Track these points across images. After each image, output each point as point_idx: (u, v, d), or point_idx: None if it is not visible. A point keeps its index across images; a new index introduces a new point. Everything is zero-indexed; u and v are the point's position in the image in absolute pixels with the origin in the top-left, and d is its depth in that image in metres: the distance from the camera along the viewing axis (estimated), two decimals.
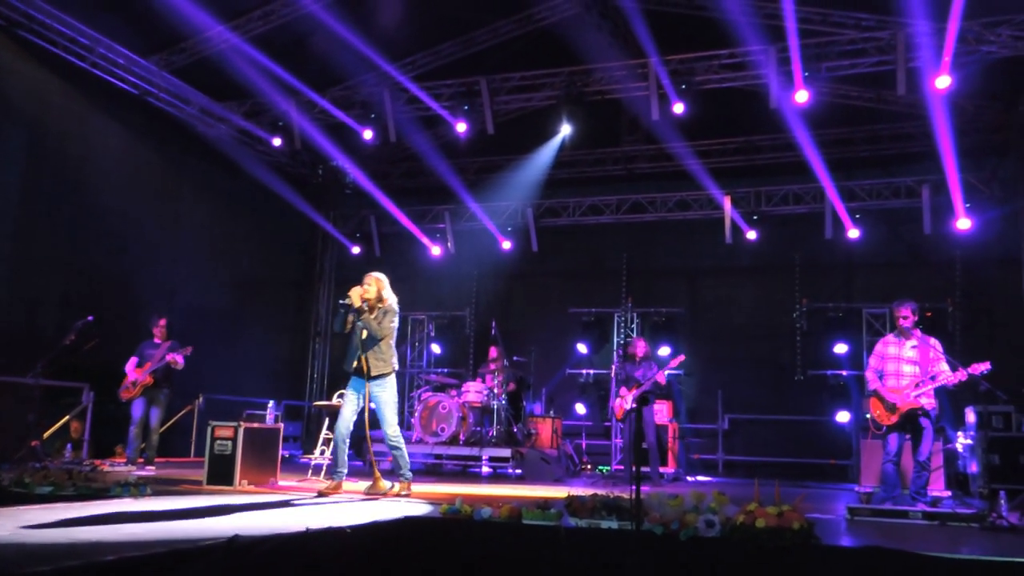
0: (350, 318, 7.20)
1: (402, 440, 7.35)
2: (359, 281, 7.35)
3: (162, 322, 9.95)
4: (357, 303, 7.13)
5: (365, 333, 7.18)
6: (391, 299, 7.37)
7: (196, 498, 6.30)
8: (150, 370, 9.68)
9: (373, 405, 7.29)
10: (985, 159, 12.83)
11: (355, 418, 7.19)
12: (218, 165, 13.43)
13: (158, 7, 10.47)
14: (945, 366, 7.33)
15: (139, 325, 10.36)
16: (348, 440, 7.23)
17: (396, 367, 7.37)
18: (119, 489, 5.95)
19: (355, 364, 7.21)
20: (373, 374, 7.16)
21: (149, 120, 12.43)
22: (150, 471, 9.11)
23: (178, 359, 9.68)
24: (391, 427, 7.24)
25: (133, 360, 9.83)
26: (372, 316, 7.20)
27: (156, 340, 9.97)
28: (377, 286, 7.32)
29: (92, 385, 10.59)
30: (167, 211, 12.99)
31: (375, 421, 7.37)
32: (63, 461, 9.25)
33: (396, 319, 7.37)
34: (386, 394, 7.22)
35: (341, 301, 7.17)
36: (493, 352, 12.23)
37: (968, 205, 12.20)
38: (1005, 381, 7.72)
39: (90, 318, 9.10)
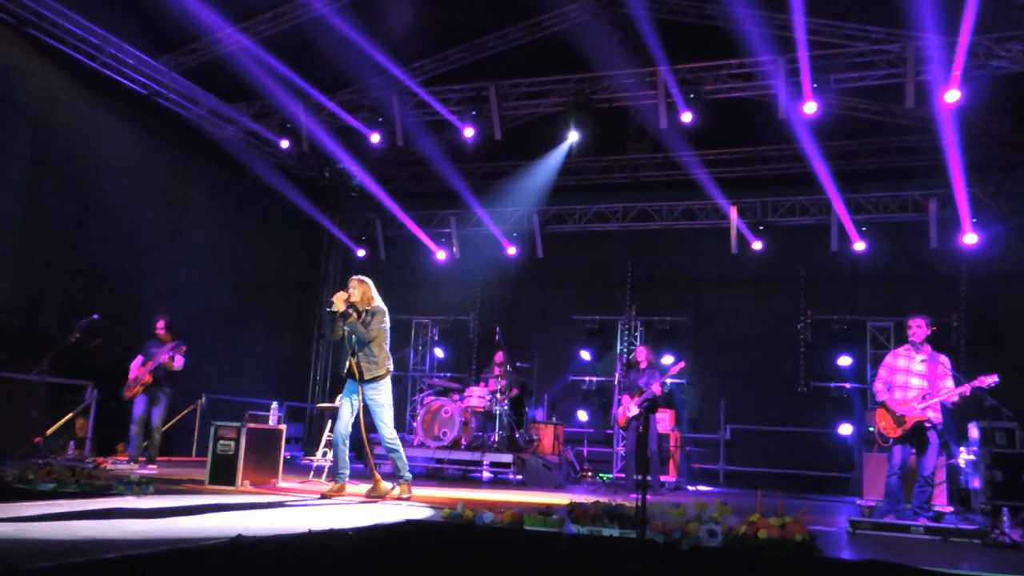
0: (339, 324, 7.18)
1: (399, 442, 7.34)
2: None
3: (161, 323, 9.90)
4: (340, 308, 7.11)
5: (355, 337, 7.18)
6: (378, 301, 7.34)
7: (198, 497, 6.30)
8: (151, 368, 9.67)
9: (369, 407, 7.27)
10: (992, 174, 12.81)
11: (352, 420, 7.18)
12: (225, 166, 13.46)
13: (168, 8, 10.51)
14: (950, 382, 7.31)
15: (143, 324, 10.36)
16: (348, 442, 7.23)
17: (391, 369, 7.33)
18: (122, 487, 5.96)
19: (347, 368, 7.22)
20: (366, 377, 7.16)
21: (157, 120, 12.46)
22: (152, 470, 9.11)
23: (175, 360, 9.64)
24: (388, 429, 7.23)
25: (139, 358, 9.83)
26: (359, 319, 7.20)
27: (161, 340, 9.97)
28: (361, 289, 7.30)
29: (96, 383, 10.61)
30: (173, 211, 13.02)
31: (372, 424, 7.36)
32: (66, 458, 9.27)
33: (386, 320, 7.32)
34: (381, 397, 7.21)
35: (327, 308, 7.17)
36: (499, 357, 12.23)
37: (975, 220, 12.18)
38: (1009, 397, 7.68)
39: (95, 316, 9.12)
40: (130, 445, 9.71)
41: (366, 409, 7.22)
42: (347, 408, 7.18)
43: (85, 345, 9.13)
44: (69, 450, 9.95)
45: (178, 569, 3.44)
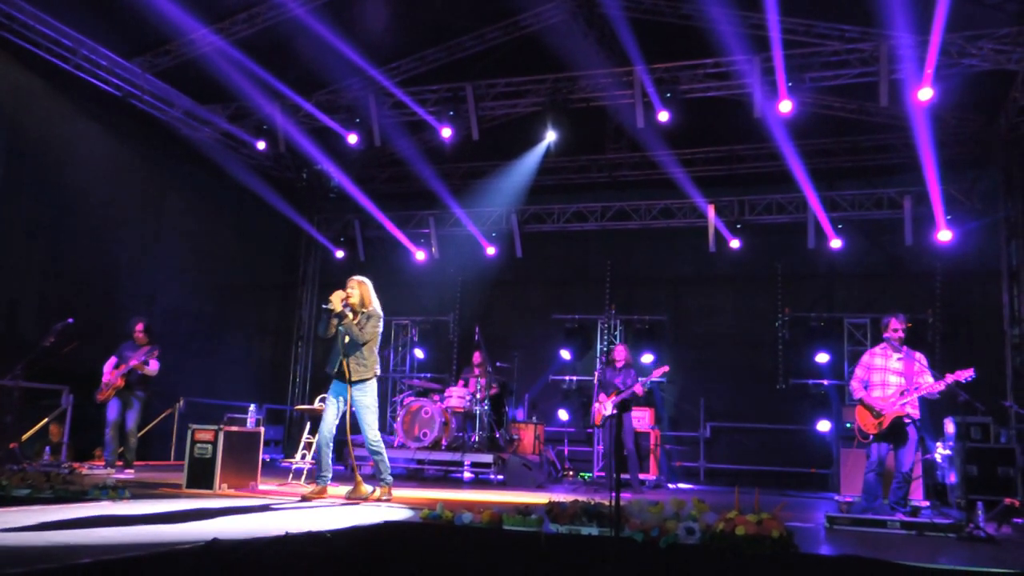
0: (333, 322, 7.18)
1: (383, 445, 7.34)
2: (343, 285, 7.34)
3: (139, 326, 9.81)
4: (338, 307, 7.11)
5: (348, 338, 7.16)
6: (375, 304, 7.36)
7: (175, 501, 6.26)
8: (123, 372, 9.57)
9: (354, 409, 7.27)
10: (966, 171, 12.92)
11: (337, 422, 7.18)
12: (202, 168, 13.36)
13: (142, 9, 10.40)
14: (929, 378, 7.38)
15: (119, 328, 10.27)
16: (331, 444, 7.22)
17: (378, 372, 7.37)
18: (97, 492, 5.91)
19: (336, 369, 7.19)
20: (354, 379, 7.16)
21: (132, 122, 12.35)
22: (129, 474, 9.03)
23: (149, 364, 9.53)
24: (372, 431, 7.23)
25: (112, 360, 9.73)
26: (355, 321, 7.19)
27: (137, 343, 9.88)
28: (360, 290, 7.31)
29: (72, 388, 10.50)
30: (150, 214, 12.91)
31: (357, 426, 7.36)
32: (41, 463, 9.17)
33: (380, 324, 7.35)
34: (367, 399, 7.22)
35: (324, 306, 7.15)
36: (477, 357, 12.23)
37: (949, 217, 12.30)
38: (984, 392, 7.77)
39: (70, 320, 9.04)
40: (106, 450, 9.63)
41: (350, 411, 7.22)
42: (332, 410, 7.17)
43: (60, 349, 9.04)
44: (45, 455, 9.85)
45: (153, 574, 3.42)
